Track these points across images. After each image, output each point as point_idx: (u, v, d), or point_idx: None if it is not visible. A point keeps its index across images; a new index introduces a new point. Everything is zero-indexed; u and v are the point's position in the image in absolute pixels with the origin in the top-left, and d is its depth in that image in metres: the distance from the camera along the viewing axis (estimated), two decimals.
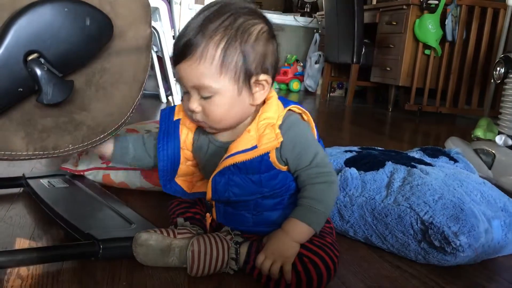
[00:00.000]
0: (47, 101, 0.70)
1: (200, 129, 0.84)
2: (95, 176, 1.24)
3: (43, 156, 0.78)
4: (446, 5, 3.34)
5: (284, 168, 0.80)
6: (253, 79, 0.75)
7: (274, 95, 0.81)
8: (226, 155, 0.78)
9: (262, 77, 0.76)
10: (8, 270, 0.77)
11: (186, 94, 0.78)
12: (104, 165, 1.24)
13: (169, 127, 0.84)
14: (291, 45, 5.36)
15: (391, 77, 3.65)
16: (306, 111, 0.83)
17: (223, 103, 0.75)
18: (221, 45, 0.72)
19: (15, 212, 1.03)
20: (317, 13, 5.22)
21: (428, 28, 3.36)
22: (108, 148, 0.89)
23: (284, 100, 0.83)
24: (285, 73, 5.10)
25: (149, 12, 0.85)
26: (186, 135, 0.85)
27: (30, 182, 1.14)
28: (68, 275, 0.78)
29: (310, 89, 4.98)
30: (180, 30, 0.74)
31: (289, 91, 5.08)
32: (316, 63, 4.82)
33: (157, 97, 3.23)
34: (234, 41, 0.72)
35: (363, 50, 3.86)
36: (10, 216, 1.01)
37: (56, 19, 0.69)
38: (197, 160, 0.88)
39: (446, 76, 3.50)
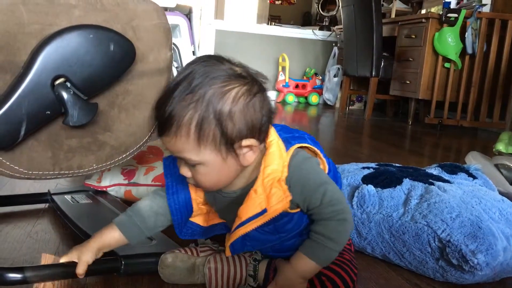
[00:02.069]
0: (73, 123, 0.73)
1: None
2: (117, 192, 1.27)
3: (68, 175, 0.81)
4: (466, 18, 3.32)
5: (297, 209, 0.77)
6: (236, 145, 0.70)
7: (274, 139, 0.75)
8: (237, 223, 0.75)
9: (246, 142, 0.70)
10: (35, 285, 0.80)
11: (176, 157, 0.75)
12: (126, 181, 1.27)
13: (176, 179, 0.81)
14: (310, 58, 5.39)
15: (411, 90, 3.64)
16: (311, 145, 0.79)
17: (209, 172, 0.71)
18: (194, 122, 0.67)
19: (41, 228, 1.07)
20: (336, 27, 5.24)
21: (448, 41, 3.34)
22: (120, 241, 0.83)
23: (286, 133, 0.79)
24: (304, 86, 5.12)
25: (169, 36, 0.88)
26: (196, 190, 0.82)
27: (55, 198, 1.17)
28: None
29: (329, 103, 4.98)
30: (172, 79, 0.69)
31: (307, 104, 5.09)
32: (335, 76, 4.83)
33: None
34: (207, 114, 0.67)
35: (382, 63, 3.86)
36: (36, 231, 1.04)
37: (82, 45, 0.71)
38: (211, 206, 0.85)
39: (466, 89, 3.47)
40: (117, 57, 0.75)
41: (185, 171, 0.73)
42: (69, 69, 0.71)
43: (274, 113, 0.74)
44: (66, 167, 0.80)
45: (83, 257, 0.79)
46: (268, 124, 0.73)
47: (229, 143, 0.69)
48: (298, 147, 0.77)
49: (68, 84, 0.72)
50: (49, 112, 0.71)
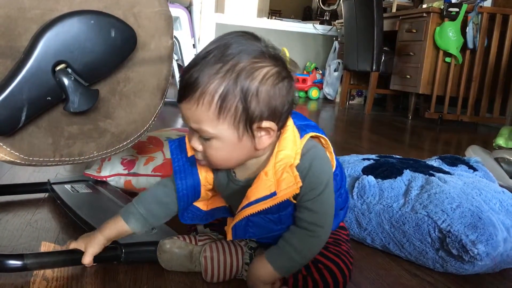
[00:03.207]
0: (74, 109, 0.72)
1: None
2: (117, 182, 1.27)
3: (69, 162, 0.81)
4: (467, 12, 3.31)
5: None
6: (255, 125, 0.69)
7: (290, 124, 0.75)
8: (244, 203, 0.74)
9: (266, 124, 0.69)
10: (34, 272, 0.80)
11: (190, 129, 0.73)
12: (126, 171, 1.27)
13: (184, 164, 0.79)
14: (310, 53, 5.38)
15: (411, 85, 3.64)
16: (324, 136, 0.78)
17: (222, 148, 0.70)
18: (220, 91, 0.66)
19: (41, 216, 1.06)
20: (336, 21, 5.23)
21: (449, 36, 3.33)
22: (127, 232, 0.83)
23: (300, 120, 0.78)
24: (304, 81, 5.12)
25: (171, 24, 0.87)
26: (206, 172, 0.80)
27: (55, 187, 1.17)
28: (92, 277, 0.81)
29: (329, 97, 4.98)
30: (196, 51, 0.70)
31: (308, 98, 5.08)
32: (335, 71, 4.82)
33: (176, 104, 3.26)
34: (234, 87, 0.66)
35: (383, 58, 3.85)
36: (35, 220, 1.04)
37: (83, 31, 0.71)
38: (218, 192, 0.84)
39: (467, 84, 3.46)
40: (118, 44, 0.74)
41: (196, 144, 0.72)
42: (70, 55, 0.70)
43: (296, 104, 0.74)
44: (67, 154, 0.79)
45: (91, 249, 0.80)
46: (289, 113, 0.72)
47: (249, 121, 0.68)
48: (312, 136, 0.76)
49: (69, 70, 0.71)
50: (49, 98, 0.71)
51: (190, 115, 0.69)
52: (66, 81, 0.70)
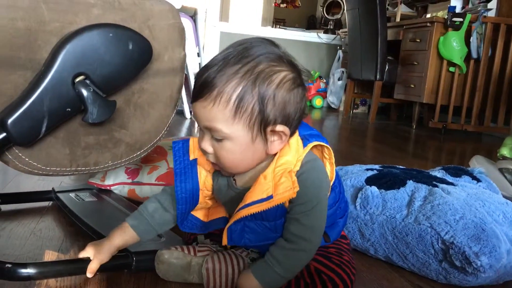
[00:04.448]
0: (92, 120, 0.73)
1: (218, 172, 0.80)
2: (120, 190, 1.27)
3: (84, 172, 0.82)
4: (471, 22, 3.32)
5: None
6: (269, 129, 0.70)
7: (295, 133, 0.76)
8: (241, 205, 0.74)
9: (280, 128, 0.70)
10: (38, 281, 0.80)
11: (201, 131, 0.74)
12: (130, 180, 1.27)
13: (185, 167, 0.79)
14: (314, 61, 5.39)
15: (415, 94, 3.64)
16: (328, 146, 0.78)
17: (234, 149, 0.70)
18: (238, 91, 0.67)
19: (45, 225, 1.07)
20: (340, 30, 5.25)
21: (453, 46, 3.34)
22: (134, 239, 0.84)
23: (304, 129, 0.78)
24: (308, 89, 5.12)
25: (183, 36, 0.89)
26: (206, 177, 0.80)
27: (60, 195, 1.18)
28: (94, 286, 0.81)
29: (333, 106, 4.98)
30: (207, 61, 0.71)
31: (312, 107, 5.09)
32: (339, 79, 4.83)
33: (181, 113, 3.28)
34: (252, 88, 0.67)
35: (387, 67, 3.86)
36: (39, 228, 1.05)
37: (102, 44, 0.72)
38: (217, 199, 0.84)
39: (471, 93, 3.46)
40: (135, 56, 0.76)
41: (207, 146, 0.72)
42: (89, 67, 0.72)
43: (306, 115, 0.75)
44: (83, 164, 0.81)
45: (99, 256, 0.80)
46: (300, 120, 0.74)
47: (263, 124, 0.69)
48: (316, 145, 0.77)
49: (88, 82, 0.72)
50: (69, 109, 0.72)
51: (205, 114, 0.69)
52: (85, 92, 0.72)
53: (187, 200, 0.80)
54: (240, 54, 0.68)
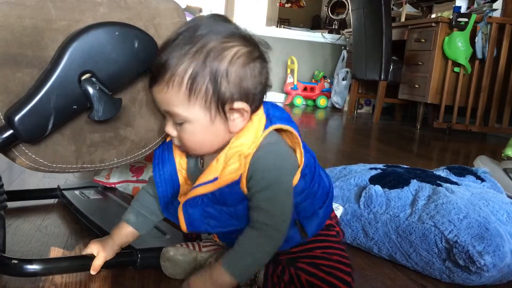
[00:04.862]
0: (98, 117, 0.74)
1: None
2: (125, 188, 1.28)
3: (90, 169, 0.83)
4: (476, 22, 3.31)
5: None
6: (227, 107, 0.68)
7: (259, 113, 0.72)
8: (192, 186, 0.73)
9: (238, 104, 0.68)
10: (43, 278, 0.81)
11: (163, 114, 0.73)
12: (135, 178, 1.28)
13: (163, 151, 0.80)
14: (319, 61, 5.39)
15: (420, 94, 3.63)
16: (295, 131, 0.74)
17: (195, 131, 0.69)
18: (189, 72, 0.66)
19: (50, 222, 1.08)
20: (345, 30, 5.24)
21: (458, 46, 3.33)
22: (133, 234, 0.84)
23: (275, 111, 0.75)
24: (312, 89, 5.12)
25: None
26: (180, 157, 0.79)
27: (65, 193, 1.19)
28: (99, 283, 0.81)
29: (337, 106, 4.98)
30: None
31: (316, 107, 5.09)
32: (343, 79, 4.82)
33: None
34: (204, 67, 0.65)
35: (391, 67, 3.86)
36: (45, 225, 1.05)
37: (108, 42, 0.73)
38: (191, 181, 0.80)
39: (476, 94, 3.45)
40: (141, 54, 0.76)
41: (171, 130, 0.72)
42: (95, 65, 0.72)
43: (270, 86, 0.72)
44: (89, 161, 0.81)
45: (103, 252, 0.81)
46: (262, 95, 0.71)
47: (220, 102, 0.68)
48: (278, 129, 0.72)
49: (94, 80, 0.73)
50: (75, 107, 0.73)
51: (162, 98, 0.69)
52: (91, 90, 0.72)
53: (166, 182, 0.79)
54: (190, 34, 0.67)
